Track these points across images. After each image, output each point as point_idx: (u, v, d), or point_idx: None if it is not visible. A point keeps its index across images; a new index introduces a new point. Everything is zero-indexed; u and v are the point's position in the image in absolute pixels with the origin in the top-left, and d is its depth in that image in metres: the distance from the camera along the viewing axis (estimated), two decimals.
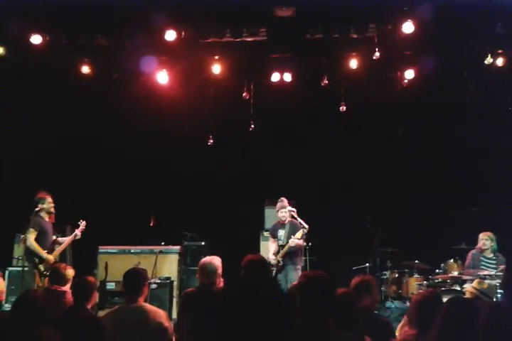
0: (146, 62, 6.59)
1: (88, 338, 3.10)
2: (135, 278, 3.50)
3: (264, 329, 1.98)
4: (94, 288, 3.61)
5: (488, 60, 6.38)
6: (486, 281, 5.67)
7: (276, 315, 2.00)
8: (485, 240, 6.32)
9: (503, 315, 2.40)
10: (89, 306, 3.60)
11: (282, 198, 6.61)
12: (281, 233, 6.54)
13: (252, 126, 7.44)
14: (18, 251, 7.04)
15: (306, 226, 6.13)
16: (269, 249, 6.77)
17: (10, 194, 7.60)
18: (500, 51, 6.57)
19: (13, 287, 6.78)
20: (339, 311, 2.82)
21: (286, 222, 6.50)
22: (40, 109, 7.60)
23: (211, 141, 7.54)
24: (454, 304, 2.55)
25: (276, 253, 6.49)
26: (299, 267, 6.37)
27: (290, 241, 6.18)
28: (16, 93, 7.25)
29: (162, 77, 7.05)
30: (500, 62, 6.60)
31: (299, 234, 6.15)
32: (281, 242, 6.50)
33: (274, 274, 6.30)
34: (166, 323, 3.44)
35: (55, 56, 6.58)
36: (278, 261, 6.40)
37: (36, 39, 6.33)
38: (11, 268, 7.02)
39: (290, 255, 6.34)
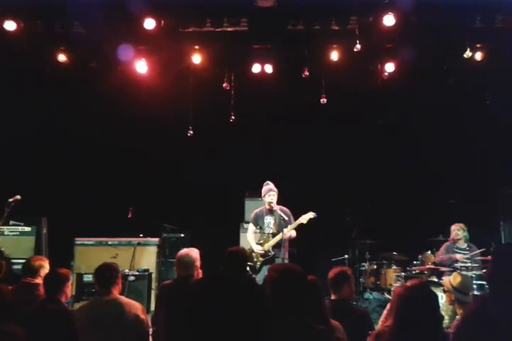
0: (123, 50, 6.46)
1: (58, 331, 3.05)
2: (106, 272, 3.46)
3: (239, 321, 1.97)
4: (66, 280, 3.53)
5: (467, 53, 6.43)
6: (463, 272, 5.77)
7: (251, 306, 1.98)
8: (457, 230, 6.51)
9: (487, 309, 2.41)
10: (63, 299, 3.54)
11: (268, 181, 6.07)
12: (270, 220, 6.01)
13: (233, 117, 7.39)
14: None
15: (286, 218, 5.93)
16: (249, 239, 6.14)
17: None
18: (479, 45, 6.62)
19: None
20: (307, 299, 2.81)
21: (275, 208, 5.90)
22: (16, 97, 7.42)
23: (191, 132, 7.47)
24: (409, 290, 2.57)
25: (261, 243, 5.97)
26: (287, 259, 5.97)
27: (286, 229, 5.66)
28: None
29: (141, 67, 6.94)
30: (478, 56, 6.65)
31: (304, 219, 5.72)
32: (269, 230, 5.98)
33: (260, 265, 5.87)
34: (142, 315, 3.41)
35: (30, 43, 6.41)
36: (268, 251, 5.87)
37: (10, 25, 6.15)
38: None
39: (279, 245, 5.84)
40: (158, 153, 7.93)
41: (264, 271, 5.74)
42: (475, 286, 5.66)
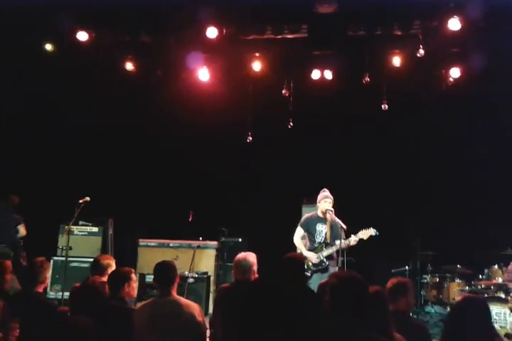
0: (191, 58, 6.67)
1: (116, 327, 3.18)
2: (167, 271, 3.52)
3: (293, 327, 1.97)
4: (128, 279, 3.64)
5: None
6: None
7: (305, 313, 1.98)
8: None
9: None
10: (127, 297, 3.66)
11: (325, 189, 5.95)
12: (322, 228, 5.86)
13: (291, 123, 7.41)
14: (62, 241, 7.30)
15: (344, 226, 5.77)
16: (297, 244, 6.01)
17: (54, 186, 7.90)
18: None
19: (57, 276, 7.04)
20: (369, 310, 2.77)
21: (328, 216, 5.76)
22: (87, 104, 7.82)
23: (250, 138, 7.56)
24: (462, 303, 2.47)
25: (315, 251, 5.82)
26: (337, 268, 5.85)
27: (344, 242, 5.48)
28: (64, 88, 7.51)
29: (203, 74, 7.12)
30: None
31: (365, 235, 5.58)
32: (321, 239, 5.84)
33: (311, 273, 5.74)
34: (200, 317, 3.45)
35: (100, 53, 6.76)
36: (322, 261, 5.75)
37: (83, 36, 6.54)
38: (55, 258, 7.27)
39: (331, 255, 5.76)
40: (218, 158, 8.08)
41: (315, 279, 5.61)
42: None
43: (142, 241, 7.64)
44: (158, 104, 7.71)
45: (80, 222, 7.60)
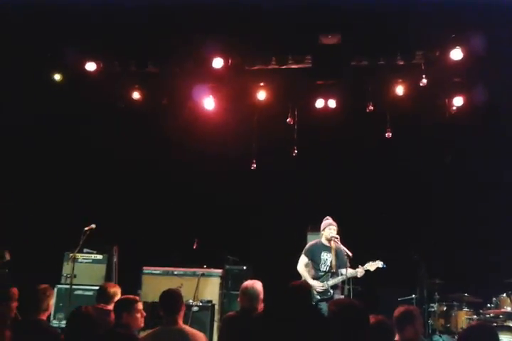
0: (196, 90, 6.82)
1: None
2: (173, 299, 3.51)
3: None
4: (133, 306, 3.60)
5: None
6: None
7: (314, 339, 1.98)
8: None
9: None
10: (133, 326, 3.61)
11: (328, 217, 6.06)
12: (327, 257, 5.91)
13: (296, 151, 7.47)
14: (66, 268, 7.24)
15: (350, 253, 5.73)
16: (302, 272, 6.04)
17: (60, 213, 7.91)
18: None
19: (60, 304, 6.95)
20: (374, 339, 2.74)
21: (333, 244, 5.83)
22: (93, 132, 7.92)
23: (254, 166, 7.61)
24: (469, 330, 2.44)
25: (320, 280, 5.86)
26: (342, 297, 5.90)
27: (350, 272, 5.56)
28: (71, 117, 7.62)
29: (209, 104, 7.24)
30: None
31: (372, 267, 5.67)
32: (326, 268, 5.90)
33: (316, 303, 5.73)
34: None
35: (107, 82, 6.91)
36: (327, 291, 5.79)
37: (91, 66, 6.71)
38: (59, 286, 7.19)
39: (337, 284, 5.83)
40: (223, 186, 8.09)
41: (323, 308, 5.56)
42: None
43: (146, 269, 7.58)
44: (164, 133, 7.80)
45: (85, 250, 7.56)
